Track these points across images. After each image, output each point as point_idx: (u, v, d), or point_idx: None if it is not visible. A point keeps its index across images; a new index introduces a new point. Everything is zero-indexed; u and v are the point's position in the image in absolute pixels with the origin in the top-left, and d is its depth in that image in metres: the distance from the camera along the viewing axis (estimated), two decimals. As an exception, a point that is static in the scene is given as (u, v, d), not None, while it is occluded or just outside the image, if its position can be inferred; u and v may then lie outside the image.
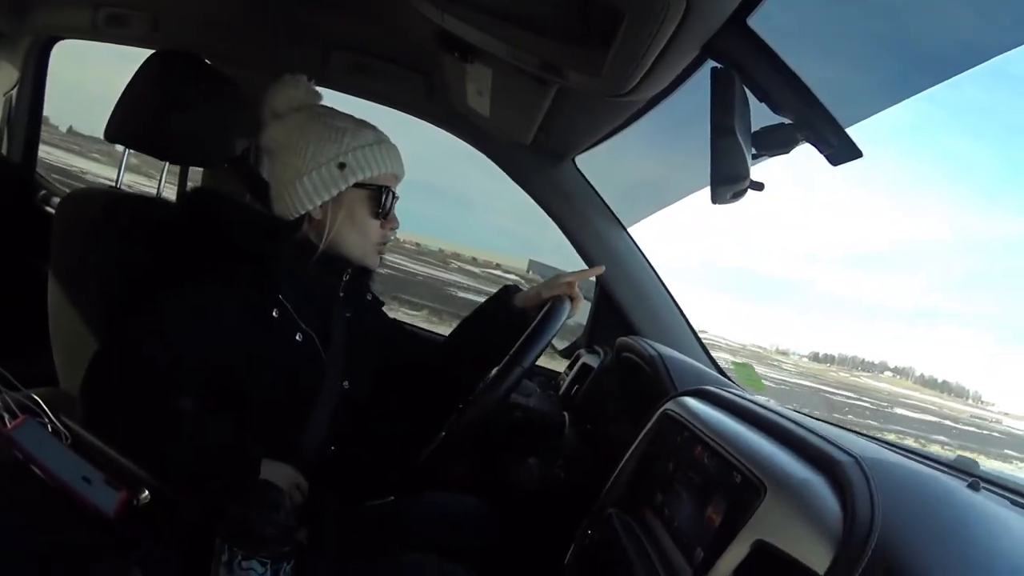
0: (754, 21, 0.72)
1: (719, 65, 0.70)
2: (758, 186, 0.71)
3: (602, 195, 1.57)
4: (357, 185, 0.98)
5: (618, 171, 1.71)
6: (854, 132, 0.72)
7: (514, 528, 1.15)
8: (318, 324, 0.97)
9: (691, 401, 0.93)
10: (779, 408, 0.83)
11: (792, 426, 0.75)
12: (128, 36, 1.68)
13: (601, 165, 1.56)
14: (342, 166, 0.96)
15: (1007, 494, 0.86)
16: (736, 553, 0.67)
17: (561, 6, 0.71)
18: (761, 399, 0.91)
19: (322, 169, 0.96)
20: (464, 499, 1.14)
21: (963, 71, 0.91)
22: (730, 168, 0.67)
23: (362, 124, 1.01)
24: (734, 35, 0.71)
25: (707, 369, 1.33)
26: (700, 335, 1.57)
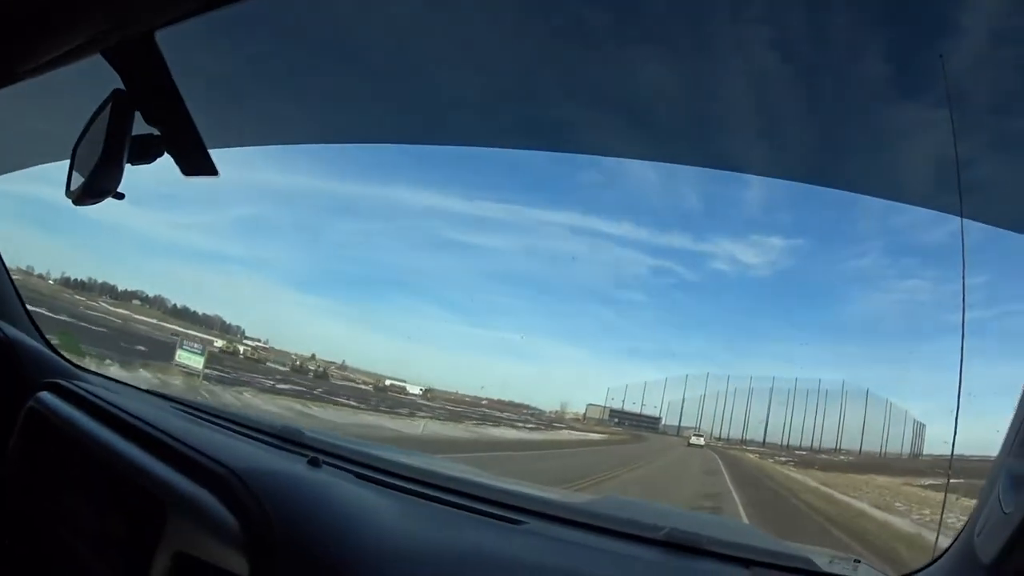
0: (163, 36, 0.74)
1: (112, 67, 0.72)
2: (119, 196, 0.74)
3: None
4: None
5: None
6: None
7: None
8: None
9: (54, 400, 0.93)
10: (140, 411, 0.88)
11: (162, 435, 0.79)
12: None
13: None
14: None
15: (351, 467, 0.95)
16: (162, 564, 0.67)
17: None
18: (115, 398, 0.95)
19: None
20: None
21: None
22: (103, 185, 0.70)
23: None
24: (134, 45, 0.72)
25: (45, 350, 1.31)
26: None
